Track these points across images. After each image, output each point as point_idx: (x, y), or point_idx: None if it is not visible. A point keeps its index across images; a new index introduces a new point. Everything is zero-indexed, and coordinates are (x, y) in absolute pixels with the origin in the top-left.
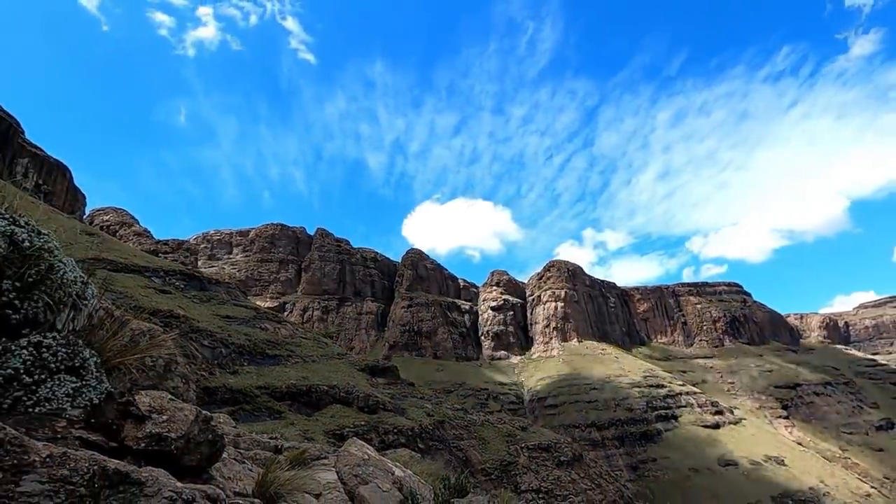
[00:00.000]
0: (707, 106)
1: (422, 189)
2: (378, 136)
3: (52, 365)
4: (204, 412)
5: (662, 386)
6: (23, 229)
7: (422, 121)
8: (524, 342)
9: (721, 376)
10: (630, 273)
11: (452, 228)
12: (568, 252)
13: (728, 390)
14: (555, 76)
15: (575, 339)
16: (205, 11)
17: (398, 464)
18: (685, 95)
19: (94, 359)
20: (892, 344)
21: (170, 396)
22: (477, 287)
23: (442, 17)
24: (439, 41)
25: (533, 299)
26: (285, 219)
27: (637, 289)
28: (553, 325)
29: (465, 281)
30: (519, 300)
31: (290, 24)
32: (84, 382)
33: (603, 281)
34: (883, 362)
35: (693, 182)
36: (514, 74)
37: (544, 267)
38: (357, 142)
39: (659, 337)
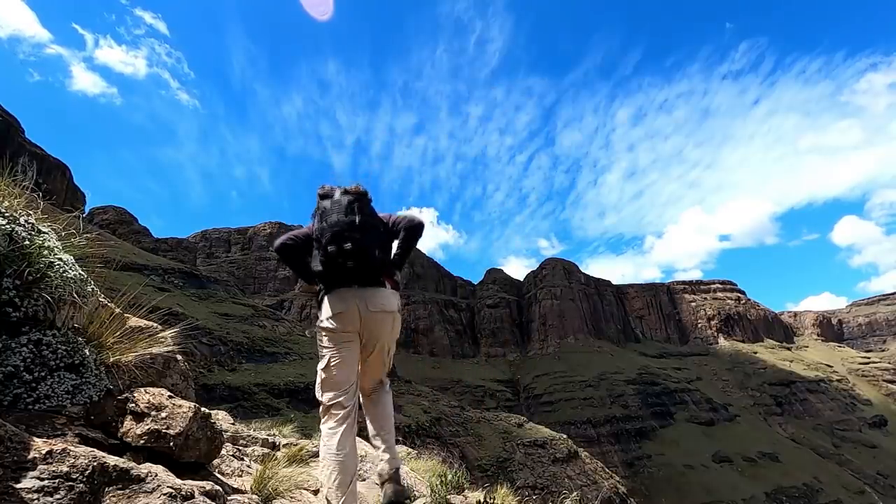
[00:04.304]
0: (668, 104)
1: (389, 190)
2: (339, 136)
3: (52, 362)
4: (202, 409)
5: (657, 383)
6: (23, 227)
7: (380, 122)
8: (520, 339)
9: (715, 374)
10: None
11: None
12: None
13: (722, 387)
14: (508, 75)
15: (570, 337)
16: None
17: None
18: (644, 93)
19: (94, 356)
20: (885, 342)
21: (169, 393)
22: (473, 285)
23: (388, 17)
24: (388, 42)
25: (529, 297)
26: (255, 219)
27: (632, 286)
28: (549, 322)
29: (461, 279)
30: (515, 298)
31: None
32: (83, 380)
33: (598, 279)
34: (876, 360)
35: (662, 181)
36: (467, 74)
37: (540, 265)
38: (319, 142)
39: (654, 334)
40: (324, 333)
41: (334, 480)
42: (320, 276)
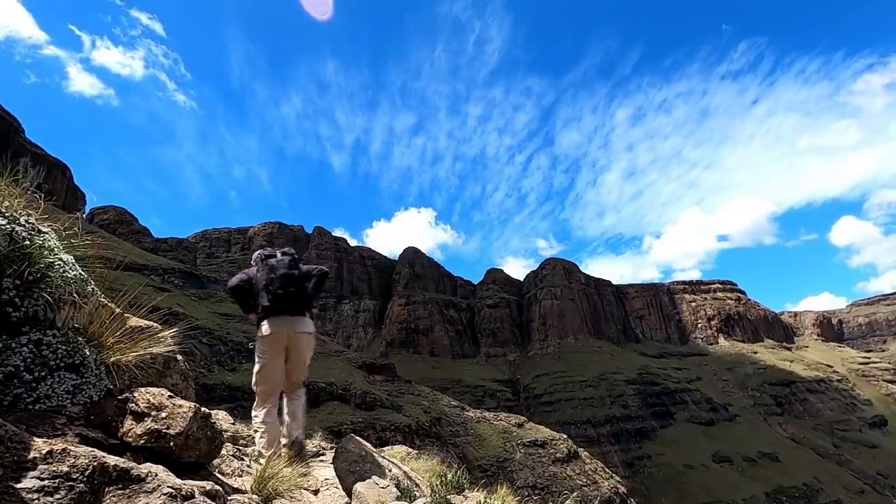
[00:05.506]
0: (667, 104)
1: (388, 190)
2: (338, 136)
3: (52, 362)
4: (203, 409)
5: (657, 383)
6: (23, 228)
7: (380, 122)
8: (520, 339)
9: (715, 374)
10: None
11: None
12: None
13: (723, 388)
14: (507, 75)
15: (570, 337)
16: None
17: (395, 460)
18: (643, 93)
19: (94, 356)
20: (885, 342)
21: (169, 393)
22: (473, 285)
23: (386, 17)
24: (387, 42)
25: (529, 297)
26: (255, 219)
27: (632, 286)
28: (549, 322)
29: (461, 279)
30: (515, 298)
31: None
32: (84, 379)
33: (598, 279)
34: (876, 360)
35: (661, 181)
36: (466, 75)
37: (540, 265)
38: (318, 142)
39: (654, 334)
40: (263, 344)
41: (263, 441)
42: (267, 309)
